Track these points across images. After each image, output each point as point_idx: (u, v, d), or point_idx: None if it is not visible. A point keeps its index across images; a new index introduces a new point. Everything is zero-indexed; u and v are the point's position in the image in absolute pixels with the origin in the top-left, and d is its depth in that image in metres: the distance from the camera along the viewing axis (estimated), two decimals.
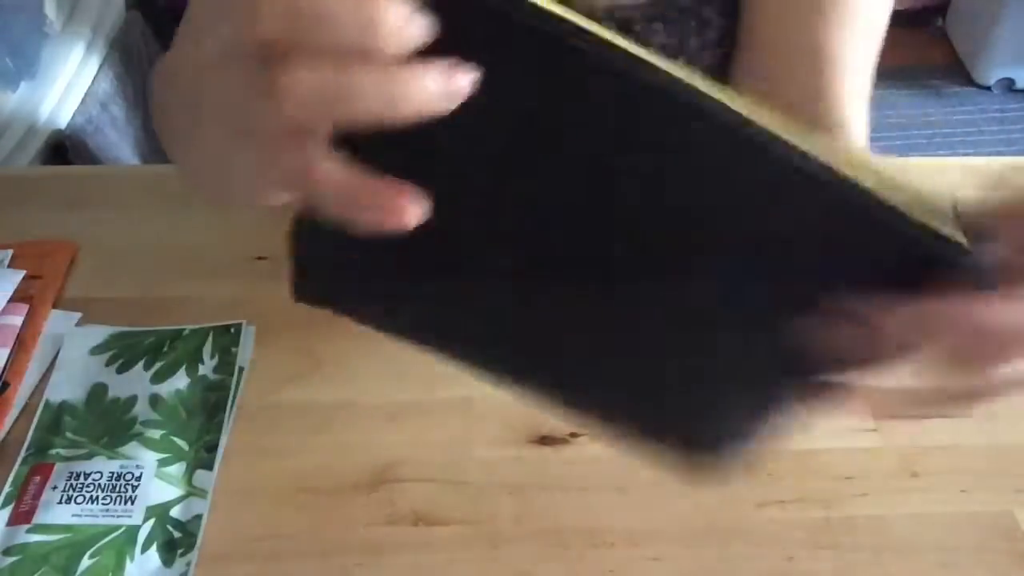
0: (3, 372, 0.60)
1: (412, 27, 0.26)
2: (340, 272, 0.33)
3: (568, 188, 0.29)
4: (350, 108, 0.26)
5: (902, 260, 0.30)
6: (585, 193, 0.29)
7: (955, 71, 2.44)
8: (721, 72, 0.63)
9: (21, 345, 0.62)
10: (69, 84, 1.10)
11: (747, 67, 0.61)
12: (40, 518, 0.52)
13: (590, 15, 0.26)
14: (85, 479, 0.54)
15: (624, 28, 0.60)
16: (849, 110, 0.59)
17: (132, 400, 0.59)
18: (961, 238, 0.29)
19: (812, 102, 0.59)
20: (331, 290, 0.35)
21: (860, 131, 0.60)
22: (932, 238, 0.29)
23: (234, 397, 0.59)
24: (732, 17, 0.61)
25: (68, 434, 0.57)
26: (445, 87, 0.26)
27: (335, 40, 0.26)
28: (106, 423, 0.58)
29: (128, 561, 0.51)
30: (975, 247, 0.29)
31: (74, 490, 0.54)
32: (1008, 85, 2.38)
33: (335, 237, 0.28)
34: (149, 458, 0.55)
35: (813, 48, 0.58)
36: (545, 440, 0.58)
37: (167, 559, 0.51)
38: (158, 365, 0.61)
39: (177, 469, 0.55)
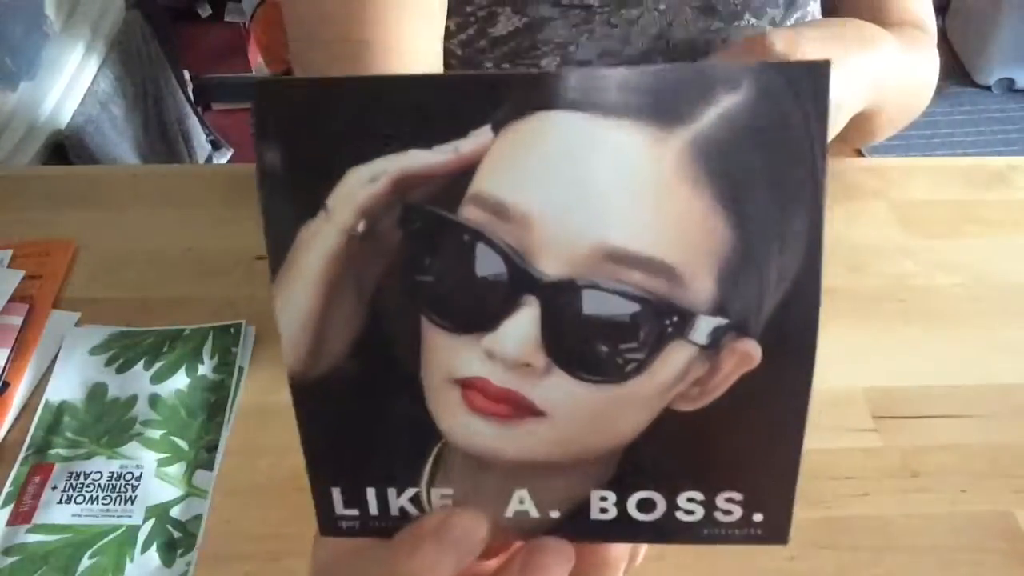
0: (3, 372, 0.60)
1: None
2: None
3: None
4: None
5: None
6: None
7: (955, 71, 2.44)
8: None
9: (21, 345, 0.62)
10: (69, 84, 1.10)
11: None
12: (40, 518, 0.52)
13: None
14: (85, 479, 0.54)
15: None
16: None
17: (132, 400, 0.59)
18: None
19: None
20: None
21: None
22: None
23: (234, 397, 0.59)
24: None
25: (68, 434, 0.57)
26: None
27: None
28: (106, 423, 0.58)
29: (128, 561, 0.51)
30: None
31: (74, 490, 0.54)
32: (1008, 85, 2.38)
33: None
34: (149, 458, 0.55)
35: None
36: None
37: (167, 559, 0.51)
38: (158, 365, 0.61)
39: (177, 469, 0.55)
